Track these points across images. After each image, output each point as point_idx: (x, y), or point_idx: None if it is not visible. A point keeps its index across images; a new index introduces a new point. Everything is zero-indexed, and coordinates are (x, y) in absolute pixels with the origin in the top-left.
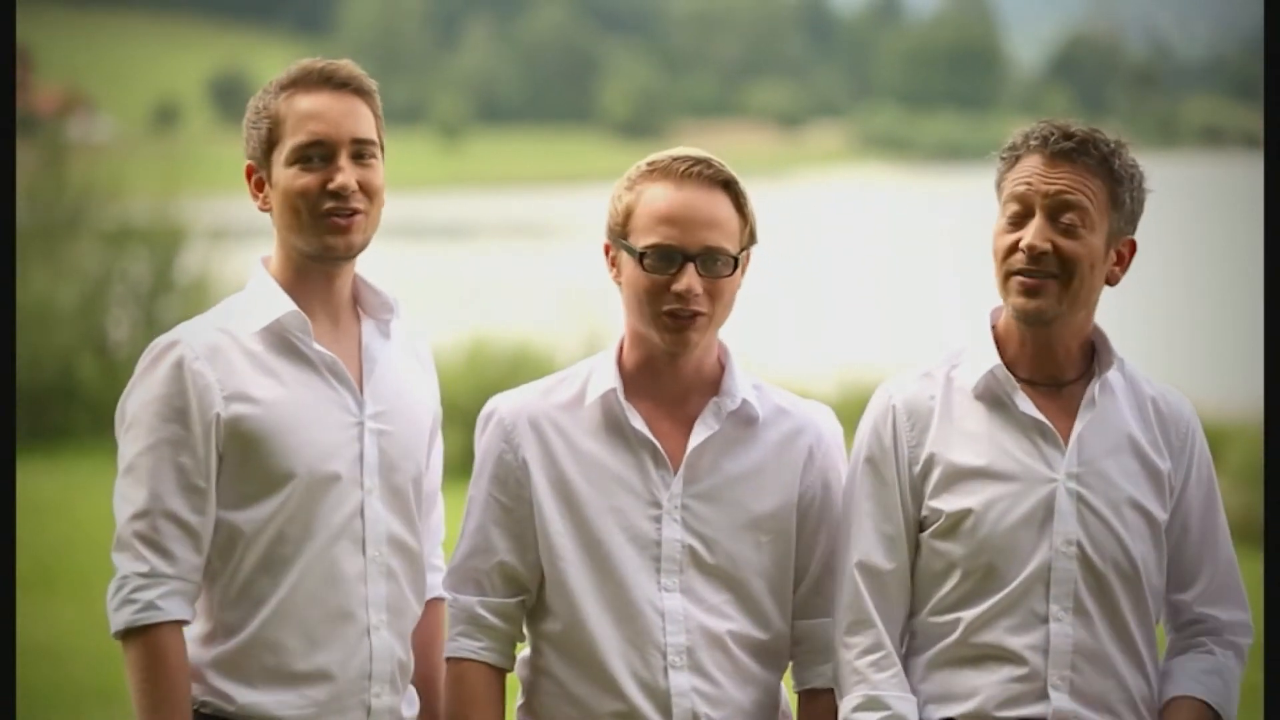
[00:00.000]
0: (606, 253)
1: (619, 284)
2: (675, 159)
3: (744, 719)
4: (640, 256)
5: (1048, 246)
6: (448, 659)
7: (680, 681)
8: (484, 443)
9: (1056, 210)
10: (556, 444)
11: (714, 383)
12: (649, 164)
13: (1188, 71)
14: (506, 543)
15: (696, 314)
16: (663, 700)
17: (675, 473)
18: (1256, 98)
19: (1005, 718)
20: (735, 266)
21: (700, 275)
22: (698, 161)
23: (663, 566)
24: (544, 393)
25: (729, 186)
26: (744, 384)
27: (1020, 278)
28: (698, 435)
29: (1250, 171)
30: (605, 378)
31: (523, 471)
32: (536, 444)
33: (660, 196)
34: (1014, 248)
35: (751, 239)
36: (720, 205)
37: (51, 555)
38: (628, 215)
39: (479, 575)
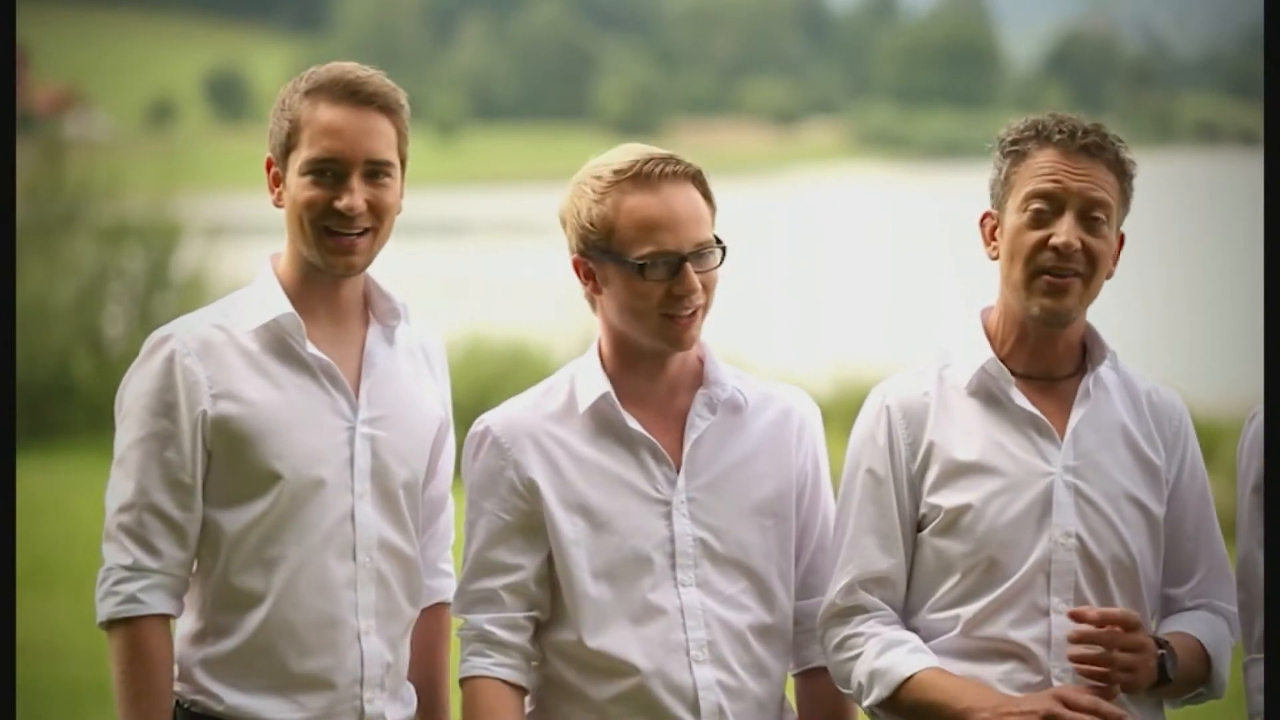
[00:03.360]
0: (578, 269)
1: (593, 297)
2: (641, 162)
3: (759, 710)
4: (640, 269)
5: (1079, 245)
6: (462, 682)
7: (705, 675)
8: (480, 463)
9: (1087, 207)
10: (558, 456)
11: (696, 376)
12: (614, 172)
13: (1184, 68)
14: (516, 560)
15: (696, 310)
16: (689, 697)
17: (676, 468)
18: (1253, 94)
19: None
20: (722, 254)
21: (696, 272)
22: (664, 160)
23: (678, 562)
24: (532, 406)
25: (697, 179)
26: (728, 373)
27: (1050, 278)
28: (695, 428)
29: (1247, 168)
30: (594, 383)
31: (529, 488)
32: (540, 459)
33: (642, 205)
34: (1041, 245)
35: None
36: (696, 199)
37: (49, 553)
38: (608, 229)
39: (489, 594)
